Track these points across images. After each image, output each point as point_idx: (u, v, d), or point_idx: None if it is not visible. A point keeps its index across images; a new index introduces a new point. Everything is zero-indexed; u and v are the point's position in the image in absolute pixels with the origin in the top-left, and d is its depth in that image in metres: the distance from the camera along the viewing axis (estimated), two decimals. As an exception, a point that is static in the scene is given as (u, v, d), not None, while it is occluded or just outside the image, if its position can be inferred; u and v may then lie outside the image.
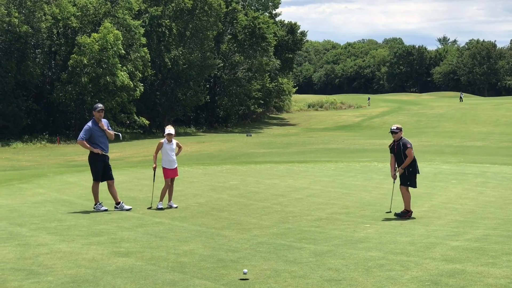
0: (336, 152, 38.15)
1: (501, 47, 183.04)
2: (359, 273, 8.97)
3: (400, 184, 14.84)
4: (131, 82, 66.73)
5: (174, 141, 16.78)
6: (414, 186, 14.96)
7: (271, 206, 16.39)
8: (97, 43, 64.50)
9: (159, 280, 8.68)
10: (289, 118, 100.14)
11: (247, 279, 8.69)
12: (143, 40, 70.55)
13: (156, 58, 75.06)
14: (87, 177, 23.91)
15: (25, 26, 63.30)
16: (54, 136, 65.02)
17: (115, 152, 49.20)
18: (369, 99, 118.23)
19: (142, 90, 69.94)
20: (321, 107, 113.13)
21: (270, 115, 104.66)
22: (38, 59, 68.31)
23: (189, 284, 8.45)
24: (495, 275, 8.65)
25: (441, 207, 16.12)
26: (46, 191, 19.85)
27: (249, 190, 19.60)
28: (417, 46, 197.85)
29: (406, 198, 14.64)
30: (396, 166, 15.00)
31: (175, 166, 16.73)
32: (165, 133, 16.64)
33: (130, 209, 15.82)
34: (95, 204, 15.92)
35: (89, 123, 15.97)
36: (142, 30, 70.67)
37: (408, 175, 14.80)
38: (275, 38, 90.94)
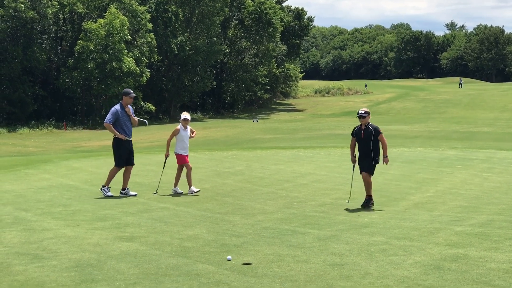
0: (342, 138, 38.10)
1: (509, 33, 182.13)
2: (362, 257, 8.99)
3: (365, 172, 14.03)
4: (137, 68, 66.75)
5: (189, 127, 16.73)
6: (373, 174, 14.23)
7: (276, 192, 16.40)
8: (103, 29, 64.51)
9: (162, 265, 8.71)
10: (296, 104, 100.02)
11: (250, 264, 8.72)
12: (149, 25, 70.50)
13: (163, 44, 74.99)
14: (93, 163, 24.01)
15: (31, 12, 63.33)
16: (60, 122, 65.17)
17: (122, 138, 49.27)
18: (366, 86, 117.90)
19: (149, 76, 69.97)
20: (327, 93, 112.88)
21: (277, 101, 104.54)
22: (44, 45, 68.40)
23: (192, 269, 8.48)
24: (497, 259, 8.65)
25: (446, 192, 16.10)
26: (51, 176, 19.89)
27: (254, 176, 19.62)
28: (424, 32, 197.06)
29: (371, 185, 14.02)
30: (358, 151, 14.20)
31: (183, 152, 16.66)
32: (181, 119, 16.59)
33: (136, 195, 15.80)
34: (103, 186, 15.87)
35: (117, 107, 15.85)
36: (148, 16, 70.63)
37: (374, 164, 14.12)
38: (282, 23, 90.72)
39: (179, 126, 16.60)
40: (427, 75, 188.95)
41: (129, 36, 66.77)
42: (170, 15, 75.95)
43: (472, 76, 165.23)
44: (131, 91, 16.22)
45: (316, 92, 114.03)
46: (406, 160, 23.99)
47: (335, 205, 14.30)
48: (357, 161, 14.43)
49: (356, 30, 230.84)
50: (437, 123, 58.61)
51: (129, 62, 65.61)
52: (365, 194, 14.03)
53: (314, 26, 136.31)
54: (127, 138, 15.92)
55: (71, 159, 25.73)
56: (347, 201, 14.59)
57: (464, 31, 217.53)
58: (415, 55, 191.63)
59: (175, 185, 16.35)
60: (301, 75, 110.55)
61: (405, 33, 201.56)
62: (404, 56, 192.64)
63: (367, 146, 14.01)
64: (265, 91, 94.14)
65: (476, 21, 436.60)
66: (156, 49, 72.11)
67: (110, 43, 64.86)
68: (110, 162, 24.12)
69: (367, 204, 13.87)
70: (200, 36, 79.81)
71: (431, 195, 15.65)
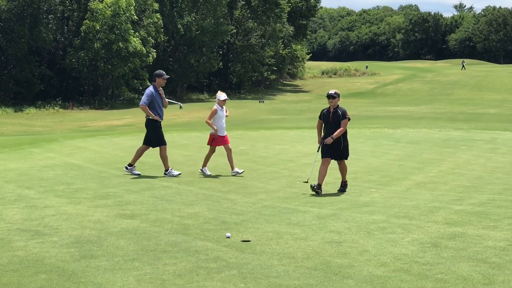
0: (347, 119, 38.10)
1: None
2: (361, 235, 9.04)
3: (338, 159, 13.51)
4: (143, 48, 66.65)
5: (224, 107, 16.45)
6: (347, 157, 13.78)
7: (279, 171, 16.46)
8: (109, 9, 64.37)
9: (162, 241, 8.77)
10: (303, 85, 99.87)
11: (249, 241, 8.77)
12: (156, 5, 70.29)
13: (169, 24, 74.81)
14: (97, 142, 24.11)
15: (38, -9, 63.26)
16: (67, 102, 65.22)
17: (127, 118, 49.41)
18: (367, 67, 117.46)
19: (155, 56, 69.85)
20: (334, 74, 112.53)
21: (284, 82, 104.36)
22: (50, 25, 68.30)
23: (191, 245, 8.54)
24: (495, 237, 8.69)
25: (449, 172, 16.13)
26: (56, 155, 19.98)
27: (258, 155, 19.67)
28: (432, 13, 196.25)
29: (346, 171, 13.63)
30: (325, 135, 13.42)
31: (225, 133, 16.42)
32: (221, 99, 16.22)
33: (180, 174, 15.74)
34: (166, 170, 15.71)
35: (151, 88, 15.78)
36: (154, -4, 70.45)
37: (344, 149, 13.53)
38: (289, 4, 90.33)
39: (215, 106, 16.19)
40: (435, 56, 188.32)
41: (135, 16, 66.63)
42: (176, -5, 75.78)
43: (480, 58, 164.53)
44: (164, 73, 16.14)
45: (323, 73, 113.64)
46: (410, 141, 24.01)
47: (337, 184, 14.30)
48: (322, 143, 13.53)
49: (364, 11, 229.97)
50: (444, 105, 58.51)
51: (135, 42, 65.52)
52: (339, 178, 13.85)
53: (321, 7, 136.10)
54: (161, 120, 15.87)
55: (76, 138, 25.83)
56: (305, 181, 14.16)
57: (472, 12, 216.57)
58: (423, 37, 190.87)
59: (204, 165, 16.06)
60: (308, 56, 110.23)
61: (413, 15, 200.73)
62: (412, 37, 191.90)
63: (335, 130, 13.28)
64: (272, 72, 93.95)
65: (485, 2, 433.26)
66: (162, 30, 71.92)
67: (116, 23, 64.75)
68: (115, 141, 24.35)
69: (344, 190, 13.46)
70: (206, 17, 79.57)
71: (433, 175, 15.67)
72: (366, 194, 12.97)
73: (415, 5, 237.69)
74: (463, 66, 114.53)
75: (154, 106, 15.70)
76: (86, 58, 65.46)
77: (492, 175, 15.55)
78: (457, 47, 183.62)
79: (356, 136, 25.71)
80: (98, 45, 64.63)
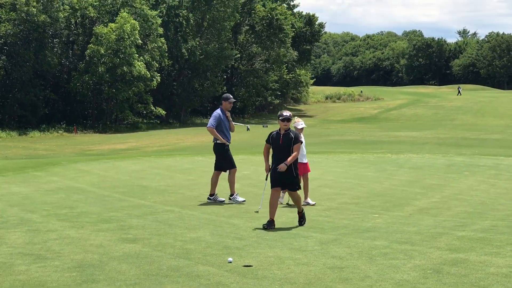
0: (351, 144, 38.16)
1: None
2: (363, 261, 9.02)
3: (289, 190, 12.30)
4: (148, 72, 66.93)
5: (302, 135, 15.03)
6: (300, 188, 12.61)
7: (282, 196, 16.43)
8: (114, 33, 64.73)
9: (164, 266, 8.78)
10: (307, 110, 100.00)
11: (251, 266, 8.77)
12: (160, 30, 70.72)
13: (173, 49, 75.15)
14: (101, 166, 24.13)
15: (43, 16, 63.62)
16: (71, 126, 65.39)
17: (131, 142, 49.49)
18: (361, 92, 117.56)
19: (159, 80, 70.12)
20: (338, 99, 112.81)
21: (288, 107, 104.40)
22: (56, 49, 68.65)
23: (193, 270, 8.54)
24: (497, 264, 8.67)
25: (452, 198, 16.11)
26: (59, 179, 20.02)
27: (261, 180, 19.55)
28: (436, 39, 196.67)
29: (300, 200, 12.54)
30: (274, 161, 12.17)
31: (306, 160, 15.61)
32: (298, 127, 15.07)
33: (223, 201, 15.43)
34: (231, 195, 15.52)
35: (218, 111, 15.73)
36: (159, 20, 70.85)
37: (296, 177, 12.26)
38: (293, 29, 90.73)
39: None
40: (439, 82, 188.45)
41: (139, 41, 66.96)
42: (181, 20, 76.19)
43: (484, 84, 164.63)
44: (231, 96, 16.06)
45: (327, 98, 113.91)
46: (413, 166, 23.99)
47: (340, 209, 14.34)
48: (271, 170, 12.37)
49: (368, 36, 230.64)
50: (447, 130, 58.50)
51: (139, 66, 65.83)
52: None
53: (325, 32, 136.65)
54: (228, 143, 15.81)
55: (79, 162, 25.88)
56: (256, 211, 13.48)
57: (476, 38, 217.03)
58: (427, 62, 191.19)
59: (305, 197, 15.11)
60: (312, 81, 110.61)
61: (417, 40, 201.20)
62: (416, 63, 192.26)
63: (286, 155, 12.04)
64: (276, 96, 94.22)
65: (488, 28, 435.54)
66: (166, 54, 72.24)
67: (121, 47, 65.10)
68: (118, 165, 24.38)
69: (301, 222, 12.33)
70: (210, 41, 79.95)
71: (436, 201, 15.65)
72: (368, 219, 12.95)
73: (419, 30, 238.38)
74: (459, 91, 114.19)
75: (221, 129, 15.64)
76: (91, 82, 65.73)
77: (495, 201, 15.53)
78: (460, 72, 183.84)
79: (359, 161, 25.75)
80: (103, 69, 64.96)
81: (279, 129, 12.28)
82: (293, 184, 12.23)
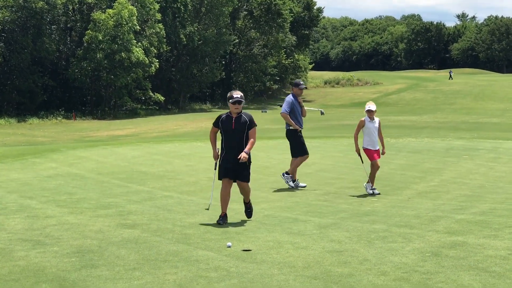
0: (349, 128, 38.10)
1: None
2: (361, 244, 9.04)
3: (241, 180, 11.11)
4: (146, 58, 66.87)
5: (377, 119, 14.96)
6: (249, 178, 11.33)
7: (281, 181, 16.44)
8: (112, 19, 64.64)
9: (163, 251, 8.79)
10: (305, 95, 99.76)
11: (250, 250, 8.78)
12: (158, 16, 70.58)
13: (171, 34, 75.03)
14: (100, 152, 24.12)
15: (41, 2, 63.49)
16: (70, 112, 65.42)
17: (130, 128, 49.47)
18: (322, 113, 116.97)
19: (158, 66, 70.08)
20: (337, 83, 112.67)
21: (286, 92, 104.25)
22: (53, 35, 68.66)
23: (192, 255, 8.55)
24: (495, 247, 8.68)
25: (451, 182, 16.14)
26: (58, 165, 20.01)
27: (260, 165, 19.63)
28: (435, 23, 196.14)
29: (249, 191, 11.40)
30: (225, 147, 11.01)
31: (378, 147, 14.81)
32: (366, 110, 14.72)
33: (305, 186, 15.40)
34: (294, 181, 15.49)
35: (291, 97, 15.72)
36: (157, 6, 70.69)
37: (248, 166, 11.17)
38: (291, 14, 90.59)
39: (364, 118, 14.83)
40: (438, 66, 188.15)
41: (138, 27, 66.88)
42: (179, 5, 76.00)
43: (483, 67, 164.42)
44: (301, 82, 16.06)
45: (325, 83, 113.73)
46: (412, 150, 23.99)
47: (338, 194, 14.36)
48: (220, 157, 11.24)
49: (367, 21, 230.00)
50: (446, 114, 58.50)
51: (138, 52, 65.76)
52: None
53: (324, 17, 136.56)
54: (301, 128, 15.74)
55: (78, 149, 25.85)
56: (206, 208, 12.08)
57: (475, 22, 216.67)
58: (426, 46, 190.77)
59: (372, 184, 14.52)
60: (310, 66, 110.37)
61: (416, 24, 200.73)
62: (415, 47, 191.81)
63: (239, 140, 10.90)
64: (274, 81, 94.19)
65: (487, 12, 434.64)
66: (165, 40, 72.15)
67: (119, 34, 65.02)
68: (117, 151, 24.36)
69: (250, 212, 11.38)
70: (209, 27, 79.82)
71: (435, 184, 15.68)
72: (367, 203, 12.98)
73: (417, 14, 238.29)
74: (450, 76, 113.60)
75: (294, 114, 15.61)
76: (89, 68, 65.70)
77: (494, 184, 15.55)
78: (459, 56, 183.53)
79: (358, 146, 25.73)
80: (101, 55, 64.89)
81: (230, 112, 11.05)
82: (246, 175, 11.11)
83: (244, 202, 11.43)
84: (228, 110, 11.12)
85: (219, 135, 11.22)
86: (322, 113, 21.51)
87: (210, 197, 12.24)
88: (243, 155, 10.69)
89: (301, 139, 15.78)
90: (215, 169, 11.53)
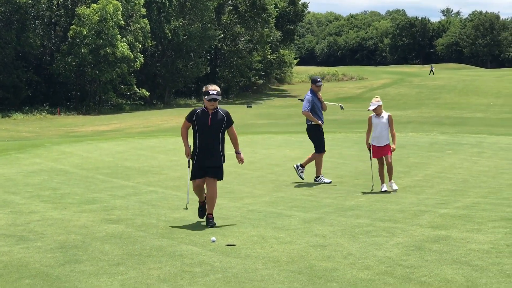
0: (335, 123, 38.17)
1: (505, 19, 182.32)
2: (345, 239, 9.06)
3: (213, 177, 10.41)
4: (131, 53, 66.63)
5: (386, 114, 14.45)
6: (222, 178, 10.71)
7: (266, 176, 16.49)
8: (96, 14, 64.33)
9: (147, 246, 8.78)
10: (291, 90, 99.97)
11: (234, 245, 8.79)
12: (143, 11, 70.31)
13: (156, 29, 74.79)
14: (84, 147, 24.04)
15: (25, -3, 63.11)
16: (54, 107, 65.09)
17: (115, 123, 49.33)
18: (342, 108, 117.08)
19: (142, 61, 69.85)
20: (322, 78, 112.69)
21: (272, 87, 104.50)
22: (38, 30, 68.26)
23: (176, 250, 8.55)
24: (478, 240, 8.73)
25: (435, 176, 16.21)
26: (42, 160, 19.92)
27: (245, 160, 19.63)
28: (420, 18, 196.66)
29: (216, 197, 10.57)
30: (199, 144, 10.36)
31: (385, 143, 14.20)
32: (370, 108, 14.36)
33: (330, 182, 15.27)
34: (317, 177, 15.44)
35: (310, 94, 15.69)
36: (142, 1, 70.39)
37: (222, 165, 10.58)
38: (276, 9, 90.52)
39: (372, 114, 14.42)
40: (422, 61, 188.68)
41: (122, 21, 66.59)
42: (164, 0, 75.74)
43: (467, 62, 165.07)
44: (319, 79, 16.03)
45: (311, 78, 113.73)
46: (397, 145, 23.97)
47: (323, 188, 14.40)
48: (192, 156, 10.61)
49: (352, 16, 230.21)
50: (431, 109, 58.73)
51: (122, 47, 65.51)
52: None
53: (309, 12, 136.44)
54: (322, 123, 15.68)
55: (62, 144, 25.74)
56: (185, 207, 11.67)
57: (459, 17, 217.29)
58: (411, 41, 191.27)
59: (389, 179, 14.10)
60: (295, 61, 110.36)
61: (401, 19, 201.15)
62: (400, 42, 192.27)
63: (215, 138, 10.26)
64: (260, 77, 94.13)
65: (471, 7, 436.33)
66: (150, 35, 71.90)
67: (104, 28, 64.73)
68: (102, 147, 24.28)
69: (212, 222, 10.24)
70: (194, 22, 79.62)
71: (419, 179, 15.74)
72: (352, 198, 13.01)
73: (402, 10, 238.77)
74: (431, 71, 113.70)
75: (315, 110, 15.58)
76: (74, 63, 65.38)
77: (477, 179, 15.63)
78: (444, 51, 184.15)
79: (343, 141, 25.83)
80: (86, 50, 64.61)
81: (205, 107, 10.30)
82: (221, 173, 10.50)
83: (207, 216, 10.38)
84: (203, 105, 10.46)
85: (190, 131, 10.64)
86: (341, 108, 21.53)
87: (187, 195, 11.95)
88: (241, 157, 10.75)
89: (322, 134, 15.75)
90: (188, 166, 10.89)
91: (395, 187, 13.89)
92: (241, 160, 10.78)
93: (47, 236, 9.47)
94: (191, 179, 10.51)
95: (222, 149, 10.45)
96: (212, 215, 10.34)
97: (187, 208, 11.67)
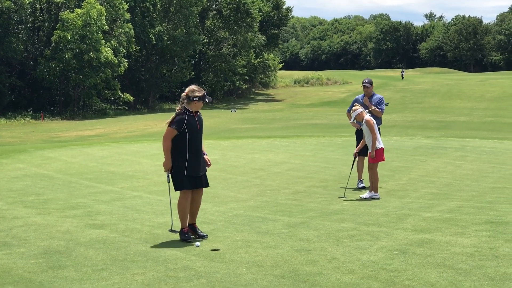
0: (319, 127, 38.27)
1: (487, 23, 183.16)
2: (330, 243, 9.07)
3: (205, 186, 9.88)
4: (115, 58, 66.48)
5: (365, 120, 13.75)
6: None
7: (250, 180, 16.46)
8: (80, 19, 64.14)
9: (131, 251, 8.75)
10: (275, 94, 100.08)
11: (218, 250, 8.77)
12: (127, 15, 70.20)
13: (141, 34, 74.69)
14: (68, 152, 23.95)
15: (8, 2, 62.84)
16: (38, 113, 64.80)
17: (99, 128, 49.16)
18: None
19: (127, 66, 69.70)
20: (307, 83, 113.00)
21: (256, 91, 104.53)
22: (21, 35, 67.91)
23: (160, 255, 8.53)
24: (462, 244, 8.76)
25: (419, 180, 16.23)
26: (26, 166, 19.83)
27: (229, 165, 19.65)
28: (403, 22, 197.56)
29: (199, 205, 10.05)
30: (189, 150, 9.44)
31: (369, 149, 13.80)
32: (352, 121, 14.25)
33: (364, 187, 14.98)
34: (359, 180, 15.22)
35: (358, 95, 15.80)
36: (125, 6, 70.27)
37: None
38: (260, 14, 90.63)
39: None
40: (406, 65, 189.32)
41: (106, 26, 66.43)
42: (148, 5, 75.64)
43: (451, 66, 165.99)
44: (365, 80, 15.85)
45: (295, 83, 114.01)
46: (381, 149, 24.08)
47: (308, 193, 14.39)
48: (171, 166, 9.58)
49: (336, 20, 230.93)
50: (415, 113, 58.95)
51: (106, 52, 65.35)
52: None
53: (293, 17, 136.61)
54: (361, 127, 15.42)
55: (46, 149, 25.63)
56: (170, 229, 9.76)
57: (442, 21, 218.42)
58: (394, 46, 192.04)
59: (370, 189, 13.65)
60: (280, 66, 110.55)
61: (384, 24, 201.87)
62: (383, 46, 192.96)
63: (201, 142, 9.62)
64: (244, 81, 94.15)
65: (455, 12, 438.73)
66: (134, 39, 71.78)
67: (88, 33, 64.53)
68: (86, 152, 24.19)
69: (202, 235, 9.62)
70: (178, 26, 79.56)
71: (403, 183, 15.77)
72: (336, 202, 13.01)
73: (386, 14, 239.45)
74: (402, 75, 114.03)
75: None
76: (57, 68, 65.14)
77: (461, 182, 15.68)
78: (428, 55, 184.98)
79: (327, 145, 25.85)
80: (69, 55, 64.39)
81: (187, 111, 9.54)
82: (206, 180, 9.85)
83: (193, 226, 9.82)
84: (178, 108, 9.59)
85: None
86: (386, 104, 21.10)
87: (171, 217, 10.24)
88: (208, 160, 9.82)
89: (359, 137, 15.39)
90: (168, 182, 9.81)
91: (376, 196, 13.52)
92: (209, 162, 9.85)
93: (31, 241, 9.42)
94: (185, 188, 9.53)
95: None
96: (195, 224, 9.87)
97: (173, 230, 9.74)
